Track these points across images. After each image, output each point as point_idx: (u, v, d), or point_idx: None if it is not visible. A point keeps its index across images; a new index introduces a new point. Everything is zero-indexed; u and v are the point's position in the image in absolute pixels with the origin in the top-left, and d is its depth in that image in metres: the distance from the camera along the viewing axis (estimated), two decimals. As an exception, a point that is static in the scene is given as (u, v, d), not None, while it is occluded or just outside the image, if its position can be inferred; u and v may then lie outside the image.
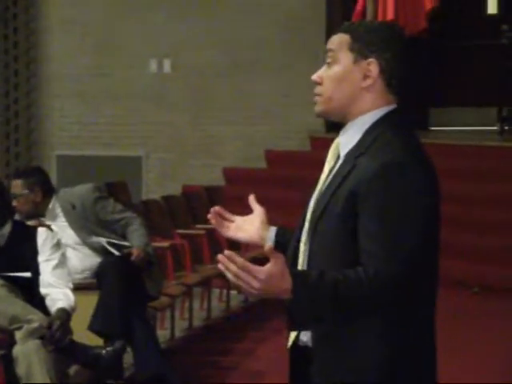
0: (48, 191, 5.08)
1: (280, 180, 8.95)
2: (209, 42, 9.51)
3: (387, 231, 1.97)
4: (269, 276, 1.92)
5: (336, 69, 2.13)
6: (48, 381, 3.74)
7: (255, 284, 1.92)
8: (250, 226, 2.33)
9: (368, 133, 2.09)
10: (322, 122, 9.23)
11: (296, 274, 1.96)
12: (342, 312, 1.96)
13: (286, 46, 9.39)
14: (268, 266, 1.93)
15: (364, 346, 2.02)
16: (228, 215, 2.37)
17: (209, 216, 2.35)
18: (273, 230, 2.31)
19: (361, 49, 2.10)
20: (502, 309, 6.76)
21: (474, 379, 5.14)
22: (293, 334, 2.14)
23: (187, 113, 9.64)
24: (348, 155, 2.10)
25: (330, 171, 2.12)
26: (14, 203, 4.88)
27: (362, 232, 2.00)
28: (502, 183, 8.07)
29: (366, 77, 2.10)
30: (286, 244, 2.24)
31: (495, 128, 9.35)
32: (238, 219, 2.36)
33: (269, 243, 2.25)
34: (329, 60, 2.14)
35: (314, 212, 2.11)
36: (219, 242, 6.96)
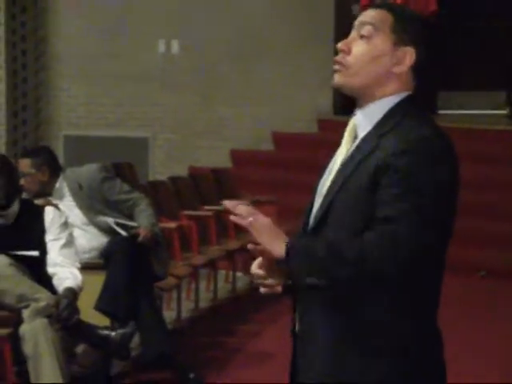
0: (55, 171, 5.09)
1: (287, 162, 8.94)
2: (217, 23, 9.48)
3: (409, 198, 1.93)
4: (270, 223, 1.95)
5: (372, 45, 2.06)
6: (55, 359, 3.76)
7: (263, 219, 1.93)
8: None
9: (389, 115, 2.07)
10: (330, 104, 9.21)
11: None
12: (342, 269, 1.90)
13: (295, 27, 9.35)
14: None
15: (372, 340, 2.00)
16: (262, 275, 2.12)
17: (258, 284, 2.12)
18: None
19: (403, 34, 2.07)
20: (510, 293, 6.77)
21: (483, 363, 5.15)
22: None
23: (195, 94, 9.62)
24: (369, 135, 2.06)
25: (348, 152, 2.08)
26: (22, 182, 4.90)
27: (381, 199, 1.95)
28: (511, 167, 8.06)
29: (399, 63, 2.07)
30: None
31: (504, 112, 9.32)
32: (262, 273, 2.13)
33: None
34: (364, 33, 2.07)
35: (330, 187, 2.06)
36: (226, 224, 6.97)
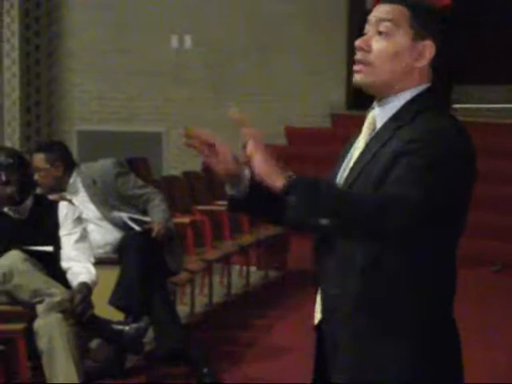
0: (69, 166, 5.10)
1: (300, 157, 8.92)
2: (230, 19, 9.47)
3: (421, 177, 1.91)
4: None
5: (393, 42, 2.05)
6: (69, 354, 3.77)
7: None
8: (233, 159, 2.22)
9: (407, 107, 2.06)
10: (343, 99, 9.18)
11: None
12: (346, 215, 1.87)
13: (308, 22, 9.33)
14: None
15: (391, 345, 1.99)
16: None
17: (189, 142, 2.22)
18: (247, 174, 2.19)
19: (421, 28, 2.06)
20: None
21: (495, 356, 5.13)
22: (318, 315, 2.10)
23: (208, 89, 9.62)
24: (385, 126, 2.06)
25: (366, 145, 2.07)
26: (36, 177, 4.91)
27: (394, 174, 1.94)
28: (525, 161, 8.02)
29: (420, 57, 2.07)
30: (259, 191, 2.14)
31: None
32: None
33: (242, 186, 2.18)
34: (383, 29, 2.05)
35: (347, 178, 2.05)
36: (239, 219, 6.96)
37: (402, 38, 2.06)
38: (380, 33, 2.06)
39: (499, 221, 7.73)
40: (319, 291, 2.11)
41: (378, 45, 2.06)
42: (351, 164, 2.08)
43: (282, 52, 9.42)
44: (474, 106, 9.88)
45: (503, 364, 5.05)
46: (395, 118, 2.06)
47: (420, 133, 1.98)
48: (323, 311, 2.09)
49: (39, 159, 5.02)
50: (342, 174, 2.10)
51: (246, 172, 2.16)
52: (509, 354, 5.27)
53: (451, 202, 1.97)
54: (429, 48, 2.07)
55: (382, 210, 1.88)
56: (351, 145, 2.15)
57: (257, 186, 2.08)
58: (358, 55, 2.07)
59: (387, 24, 2.05)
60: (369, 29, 2.09)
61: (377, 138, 2.06)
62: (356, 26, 8.82)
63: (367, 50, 2.06)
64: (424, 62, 2.07)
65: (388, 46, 2.05)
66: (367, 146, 2.06)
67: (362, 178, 2.01)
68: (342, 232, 1.94)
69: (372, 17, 2.09)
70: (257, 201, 2.17)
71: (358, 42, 2.08)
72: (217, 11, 9.49)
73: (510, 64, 9.73)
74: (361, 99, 2.14)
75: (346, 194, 1.96)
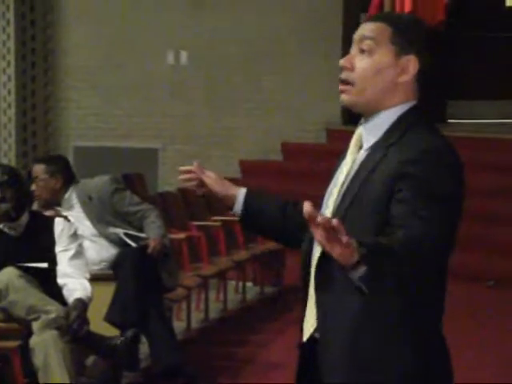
0: (68, 180, 5.09)
1: (296, 172, 8.94)
2: (226, 34, 9.50)
3: (423, 204, 1.95)
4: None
5: (375, 59, 2.06)
6: (65, 371, 3.76)
7: (344, 237, 1.83)
8: (222, 181, 2.32)
9: (395, 126, 2.07)
10: (338, 114, 9.21)
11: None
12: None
13: (303, 38, 9.37)
14: None
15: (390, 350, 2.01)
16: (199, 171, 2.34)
17: (181, 178, 2.34)
18: (242, 192, 2.28)
19: (403, 44, 2.06)
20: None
21: (489, 373, 5.13)
22: (311, 328, 2.10)
23: (204, 105, 9.64)
24: (376, 145, 2.06)
25: (354, 162, 2.09)
26: (33, 187, 4.91)
27: (397, 202, 1.96)
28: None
29: (403, 72, 2.07)
30: (256, 208, 2.23)
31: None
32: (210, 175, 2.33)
33: (238, 206, 2.25)
34: (365, 47, 2.06)
35: (341, 202, 2.06)
36: (235, 234, 6.97)
37: (384, 55, 2.06)
38: (362, 51, 2.07)
39: (493, 236, 7.74)
40: (310, 310, 2.11)
41: (360, 63, 2.07)
42: (339, 186, 2.09)
43: (278, 68, 9.46)
44: (467, 121, 9.92)
45: (497, 379, 5.04)
46: (385, 136, 2.06)
47: (415, 154, 1.99)
48: (320, 329, 2.08)
49: (39, 169, 5.02)
50: (332, 192, 2.11)
51: (240, 192, 2.23)
52: (503, 368, 5.26)
53: (457, 224, 2.01)
54: (412, 63, 2.07)
55: (414, 258, 1.91)
56: (342, 157, 2.16)
57: (251, 205, 2.16)
58: (342, 74, 2.08)
59: (368, 42, 2.06)
60: (353, 48, 2.10)
61: (367, 159, 2.06)
62: (351, 43, 8.85)
63: (350, 68, 2.07)
64: (408, 77, 2.08)
65: (369, 63, 2.06)
66: (359, 167, 2.06)
67: (357, 204, 2.02)
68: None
69: (356, 36, 2.10)
70: (255, 218, 2.24)
71: (341, 61, 2.09)
72: (212, 27, 9.53)
73: (504, 79, 9.77)
74: (356, 115, 2.15)
75: (392, 251, 1.91)
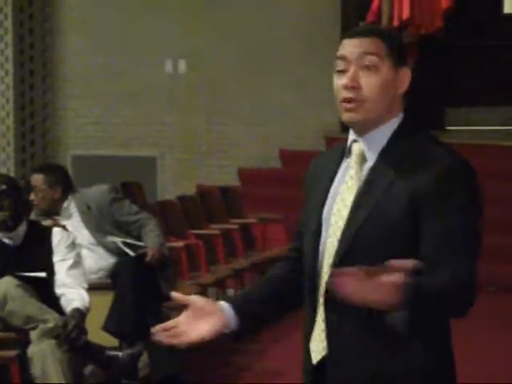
0: (67, 190, 5.09)
1: (295, 180, 8.91)
2: (224, 42, 9.51)
3: (458, 232, 1.98)
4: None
5: (381, 75, 2.04)
6: (63, 381, 3.75)
7: (398, 277, 1.80)
8: (202, 319, 2.12)
9: (398, 136, 2.07)
10: (337, 121, 9.21)
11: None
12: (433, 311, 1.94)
13: (301, 45, 9.38)
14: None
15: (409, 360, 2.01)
16: (171, 324, 2.13)
17: (157, 337, 2.12)
18: (227, 308, 2.12)
19: (396, 57, 2.07)
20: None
21: (490, 379, 5.11)
22: (323, 351, 2.06)
23: (202, 113, 9.64)
24: (382, 159, 2.04)
25: (359, 179, 2.06)
26: (32, 196, 4.91)
27: (429, 233, 1.96)
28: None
29: (400, 84, 2.08)
30: (251, 311, 2.14)
31: (512, 128, 9.31)
32: (183, 321, 2.13)
33: (231, 323, 2.13)
34: (370, 63, 2.03)
35: (351, 220, 2.02)
36: (234, 243, 6.96)
37: (387, 69, 2.05)
38: (366, 67, 2.04)
39: (493, 242, 7.73)
40: (320, 330, 2.07)
41: (368, 80, 2.04)
42: (344, 203, 2.05)
43: (276, 75, 9.46)
44: (465, 128, 9.92)
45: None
46: (388, 151, 2.05)
47: (438, 172, 1.98)
48: (334, 348, 2.04)
49: (38, 179, 5.02)
50: (333, 210, 2.07)
51: (225, 307, 2.14)
52: (505, 374, 5.25)
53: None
54: (407, 74, 2.08)
55: (460, 297, 1.96)
56: (327, 172, 2.13)
57: (243, 309, 2.12)
58: (349, 93, 2.03)
59: (372, 58, 2.04)
60: (346, 65, 2.06)
61: (377, 175, 2.03)
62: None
63: (358, 87, 2.03)
64: (404, 89, 2.09)
65: (378, 79, 2.04)
66: (367, 185, 2.03)
67: (375, 220, 1.99)
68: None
69: (349, 53, 2.06)
70: (255, 321, 2.17)
71: (345, 82, 2.04)
72: (211, 36, 9.54)
73: (502, 86, 9.78)
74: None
75: (431, 291, 1.91)
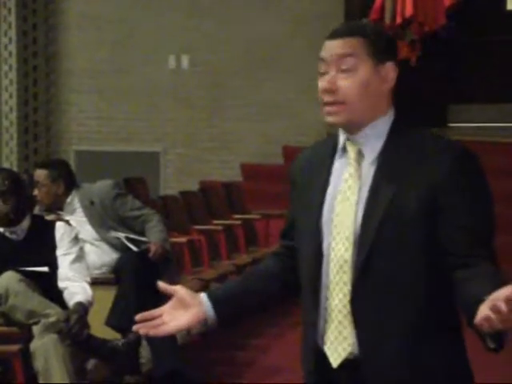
0: (70, 185, 5.10)
1: (297, 176, 8.92)
2: (227, 38, 9.51)
3: (486, 222, 2.05)
4: None
5: (360, 75, 2.02)
6: (66, 375, 3.76)
7: None
8: (183, 309, 2.15)
9: (395, 131, 2.06)
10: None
11: None
12: None
13: (303, 41, 9.37)
14: None
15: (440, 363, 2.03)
16: (157, 312, 2.17)
17: (136, 327, 2.14)
18: (205, 300, 2.16)
19: (379, 53, 2.04)
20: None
21: (497, 375, 5.12)
22: (343, 352, 2.05)
23: (205, 109, 9.65)
24: (385, 156, 2.03)
25: (359, 178, 2.04)
26: (35, 192, 4.92)
27: (454, 228, 1.98)
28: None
29: (384, 81, 2.05)
30: (227, 303, 2.16)
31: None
32: (166, 311, 2.16)
33: (209, 314, 2.16)
34: (346, 66, 2.02)
35: (365, 224, 2.00)
36: (236, 238, 6.96)
37: (366, 69, 2.03)
38: (343, 70, 2.03)
39: (496, 240, 7.73)
40: (337, 332, 2.05)
41: (345, 83, 2.02)
42: (354, 206, 2.02)
43: (279, 71, 9.46)
44: (468, 125, 9.91)
45: (504, 378, 5.03)
46: (389, 148, 2.04)
47: (450, 164, 1.99)
48: (365, 352, 2.02)
49: (41, 174, 5.03)
50: (333, 210, 2.05)
51: (203, 297, 2.17)
52: (510, 372, 5.26)
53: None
54: (391, 70, 2.06)
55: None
56: (319, 171, 2.11)
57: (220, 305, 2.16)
58: (327, 97, 2.03)
59: (348, 59, 2.02)
60: (327, 68, 2.04)
61: (383, 173, 2.02)
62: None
63: (335, 90, 2.03)
64: (389, 85, 2.06)
65: (355, 81, 2.02)
66: (375, 186, 2.01)
67: (395, 214, 1.98)
68: None
69: (328, 56, 2.04)
70: (229, 314, 2.22)
71: (323, 84, 2.04)
72: (213, 31, 9.54)
73: (505, 83, 9.77)
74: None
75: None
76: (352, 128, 2.07)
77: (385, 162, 2.03)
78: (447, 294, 2.00)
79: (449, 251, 1.97)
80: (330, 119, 2.05)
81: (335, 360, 2.05)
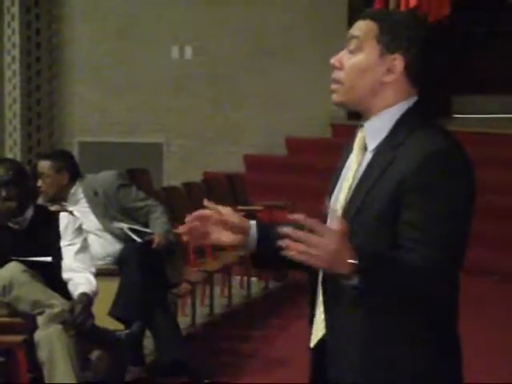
0: (74, 176, 5.09)
1: (301, 167, 8.93)
2: (230, 29, 9.49)
3: (434, 220, 1.93)
4: (341, 235, 1.82)
5: (360, 58, 2.04)
6: (70, 366, 3.76)
7: (330, 244, 1.79)
8: (227, 230, 2.14)
9: (399, 125, 2.04)
10: (343, 109, 9.21)
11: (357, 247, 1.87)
12: (400, 291, 1.91)
13: (308, 32, 9.36)
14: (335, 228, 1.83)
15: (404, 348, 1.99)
16: (202, 213, 2.14)
17: (182, 229, 2.13)
18: (253, 225, 2.16)
19: (389, 42, 2.03)
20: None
21: (495, 366, 5.12)
22: (320, 333, 2.07)
23: (208, 99, 9.63)
24: (381, 147, 2.03)
25: (360, 165, 2.06)
26: (39, 183, 4.91)
27: (406, 221, 1.94)
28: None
29: (389, 71, 2.04)
30: (267, 241, 2.14)
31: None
32: (212, 221, 2.14)
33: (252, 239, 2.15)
34: (352, 47, 2.05)
35: (347, 209, 2.02)
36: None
37: (369, 54, 2.04)
38: (350, 50, 2.06)
39: (498, 231, 7.72)
40: (319, 315, 2.07)
41: (348, 62, 2.06)
42: (345, 190, 2.05)
43: (283, 62, 9.45)
44: (473, 116, 9.89)
45: (504, 372, 5.04)
46: (388, 139, 2.03)
47: (419, 160, 1.95)
48: (330, 339, 2.04)
49: (45, 165, 5.02)
50: (338, 197, 2.08)
51: (252, 226, 2.17)
52: (510, 362, 5.26)
53: (467, 233, 2.00)
54: (398, 61, 2.04)
55: (425, 280, 1.91)
56: (347, 157, 2.13)
57: (264, 241, 2.13)
58: (333, 74, 2.08)
59: (355, 40, 2.05)
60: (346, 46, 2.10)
61: (373, 163, 2.03)
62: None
63: (340, 67, 2.06)
64: (394, 77, 2.04)
65: (355, 62, 2.05)
66: (366, 173, 2.03)
67: (363, 216, 1.98)
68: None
69: (348, 35, 2.09)
70: (268, 253, 2.16)
71: (332, 60, 2.08)
72: (217, 22, 9.52)
73: (510, 73, 9.75)
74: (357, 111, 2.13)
75: (395, 269, 1.90)
76: (360, 111, 2.08)
77: (378, 152, 2.03)
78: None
79: (396, 246, 1.95)
80: (332, 96, 2.10)
81: (312, 340, 2.09)
